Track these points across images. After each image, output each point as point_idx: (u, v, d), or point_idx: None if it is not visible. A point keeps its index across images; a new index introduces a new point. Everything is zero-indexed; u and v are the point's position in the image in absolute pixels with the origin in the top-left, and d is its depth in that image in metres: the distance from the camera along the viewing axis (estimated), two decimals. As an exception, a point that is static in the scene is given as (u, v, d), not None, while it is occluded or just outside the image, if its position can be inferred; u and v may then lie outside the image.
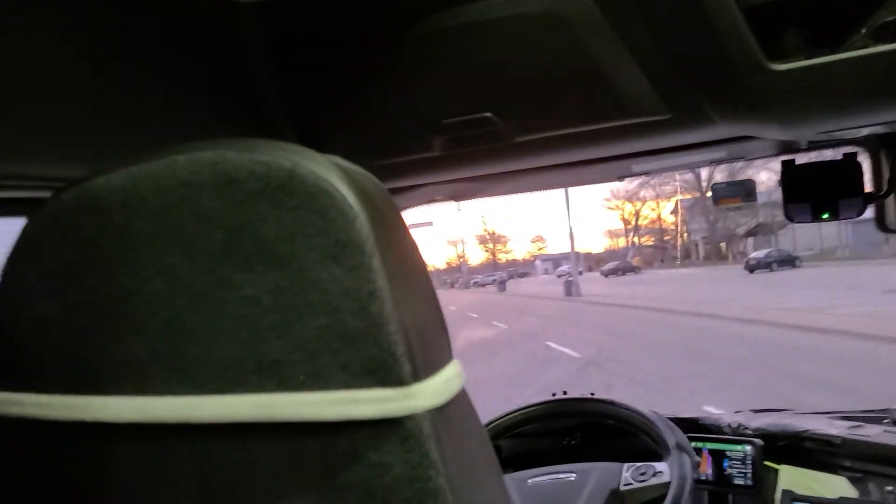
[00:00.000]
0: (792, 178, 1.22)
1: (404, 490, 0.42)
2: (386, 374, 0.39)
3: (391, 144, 1.06)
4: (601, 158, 1.18)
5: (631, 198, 49.52)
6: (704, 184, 41.79)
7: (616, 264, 43.43)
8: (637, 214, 51.55)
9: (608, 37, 0.79)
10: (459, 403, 0.49)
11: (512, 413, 1.46)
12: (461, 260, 62.65)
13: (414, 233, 0.49)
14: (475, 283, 50.02)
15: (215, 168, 0.38)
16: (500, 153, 1.12)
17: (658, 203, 49.67)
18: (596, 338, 12.70)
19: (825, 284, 19.33)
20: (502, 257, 66.36)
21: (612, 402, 1.40)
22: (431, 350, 0.48)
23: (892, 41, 0.72)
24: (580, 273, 35.06)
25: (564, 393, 1.55)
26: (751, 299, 16.98)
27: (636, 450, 1.31)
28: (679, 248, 49.19)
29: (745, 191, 1.30)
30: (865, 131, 1.03)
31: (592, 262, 54.05)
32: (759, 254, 31.10)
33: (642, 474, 1.23)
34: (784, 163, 1.23)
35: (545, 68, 0.84)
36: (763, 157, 1.30)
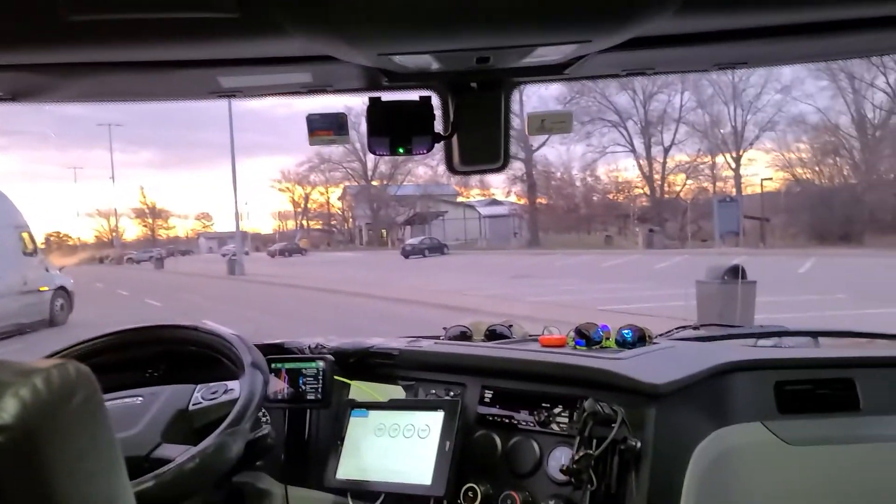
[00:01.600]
0: (376, 113, 1.30)
1: None
2: None
3: None
4: (180, 63, 1.11)
5: (301, 181, 49.99)
6: (371, 172, 44.11)
7: (283, 245, 43.39)
8: (307, 198, 52.22)
9: None
10: None
11: (78, 344, 1.32)
12: (114, 234, 56.69)
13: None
14: (129, 259, 45.77)
15: None
16: (59, 37, 0.99)
17: (327, 188, 50.95)
18: (255, 316, 12.55)
19: (467, 270, 21.85)
20: (163, 233, 61.71)
21: (194, 328, 1.35)
22: None
23: None
24: (247, 253, 34.39)
25: None
26: (405, 281, 18.38)
27: (221, 376, 1.28)
28: (345, 232, 51.13)
29: (338, 124, 1.35)
30: (434, 66, 1.12)
31: (260, 242, 53.32)
32: (415, 241, 33.94)
33: (213, 393, 1.21)
34: (371, 99, 1.30)
35: None
36: (351, 91, 1.36)
